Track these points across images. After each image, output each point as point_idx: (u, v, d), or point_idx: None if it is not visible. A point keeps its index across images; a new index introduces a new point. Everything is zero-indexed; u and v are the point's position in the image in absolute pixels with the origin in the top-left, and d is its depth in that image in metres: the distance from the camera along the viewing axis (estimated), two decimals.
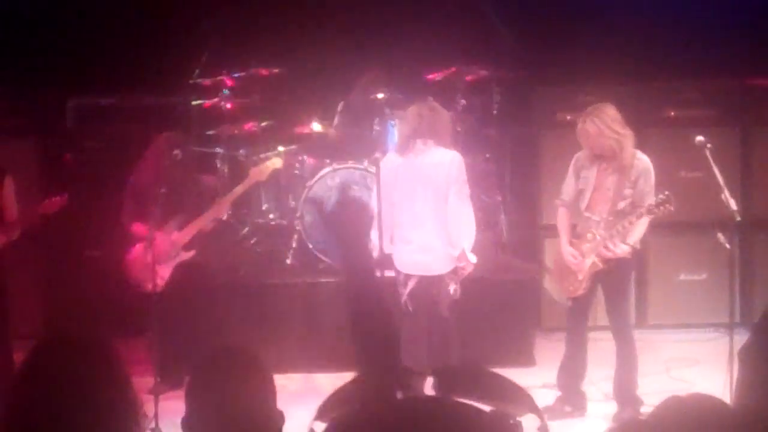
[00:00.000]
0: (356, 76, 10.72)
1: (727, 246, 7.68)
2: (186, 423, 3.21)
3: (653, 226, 10.39)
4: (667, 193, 7.76)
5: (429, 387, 3.21)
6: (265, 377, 3.26)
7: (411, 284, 8.14)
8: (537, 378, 8.71)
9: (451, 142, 8.53)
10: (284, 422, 3.33)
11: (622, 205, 7.89)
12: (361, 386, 3.17)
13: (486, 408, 2.87)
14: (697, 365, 9.31)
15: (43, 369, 3.09)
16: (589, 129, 7.87)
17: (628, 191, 7.88)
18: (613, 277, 8.00)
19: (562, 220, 8.22)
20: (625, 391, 8.09)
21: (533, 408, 2.77)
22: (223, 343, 3.20)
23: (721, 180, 7.70)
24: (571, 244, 8.06)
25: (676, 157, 10.20)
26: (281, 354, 9.06)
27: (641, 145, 10.48)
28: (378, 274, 8.28)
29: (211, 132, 10.55)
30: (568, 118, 10.32)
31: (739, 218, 7.68)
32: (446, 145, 8.25)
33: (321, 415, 3.24)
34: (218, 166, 10.36)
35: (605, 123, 7.86)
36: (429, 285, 8.18)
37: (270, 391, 3.27)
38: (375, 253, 8.22)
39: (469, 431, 2.68)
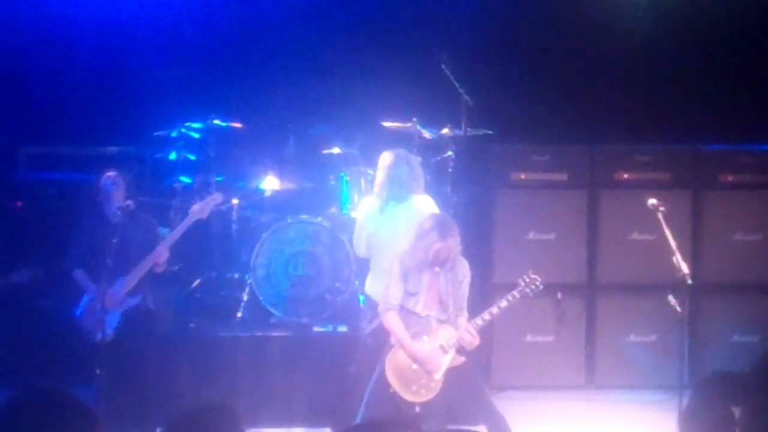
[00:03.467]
0: (312, 131, 10.78)
1: (678, 309, 7.72)
2: None
3: (606, 287, 10.47)
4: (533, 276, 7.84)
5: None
6: None
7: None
8: None
9: (423, 189, 8.88)
10: None
11: (453, 303, 7.80)
12: None
13: None
14: (645, 427, 9.31)
15: (17, 424, 3.05)
16: (453, 246, 7.71)
17: (456, 291, 7.81)
18: (471, 368, 7.82)
19: (397, 323, 7.75)
20: None
21: None
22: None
23: (673, 243, 7.76)
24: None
25: (628, 219, 10.26)
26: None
27: (594, 207, 10.63)
28: None
29: (165, 183, 10.54)
30: (522, 177, 10.41)
31: (690, 281, 7.73)
32: (419, 191, 8.73)
33: None
34: (172, 216, 10.32)
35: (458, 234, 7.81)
36: None
37: None
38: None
39: None
